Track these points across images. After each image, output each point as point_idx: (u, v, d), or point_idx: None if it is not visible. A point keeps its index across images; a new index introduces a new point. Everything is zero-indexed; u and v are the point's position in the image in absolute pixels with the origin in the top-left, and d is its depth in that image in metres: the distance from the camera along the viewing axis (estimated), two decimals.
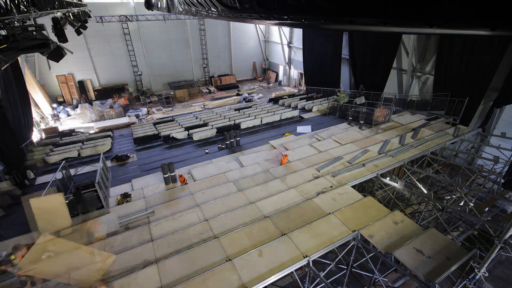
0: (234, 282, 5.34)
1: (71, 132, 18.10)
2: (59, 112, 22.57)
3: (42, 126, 20.05)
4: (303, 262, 5.65)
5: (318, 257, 5.95)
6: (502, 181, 8.31)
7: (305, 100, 20.75)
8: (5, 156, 10.03)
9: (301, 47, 23.90)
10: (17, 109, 12.69)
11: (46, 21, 9.41)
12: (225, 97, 27.47)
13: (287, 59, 29.13)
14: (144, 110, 23.61)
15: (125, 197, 8.48)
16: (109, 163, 11.68)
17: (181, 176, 9.13)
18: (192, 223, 7.15)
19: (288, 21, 5.37)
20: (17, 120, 12.37)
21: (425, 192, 9.54)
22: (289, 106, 20.08)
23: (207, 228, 6.93)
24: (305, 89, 26.00)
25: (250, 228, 6.79)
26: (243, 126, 15.18)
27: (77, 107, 23.38)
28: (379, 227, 6.63)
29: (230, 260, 5.81)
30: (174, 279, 5.51)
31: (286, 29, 27.53)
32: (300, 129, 13.86)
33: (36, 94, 21.01)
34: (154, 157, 12.55)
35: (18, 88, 12.88)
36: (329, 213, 7.20)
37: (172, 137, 14.10)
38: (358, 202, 7.61)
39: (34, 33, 6.19)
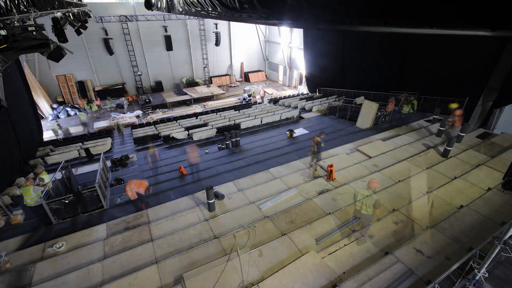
0: (235, 281, 5.34)
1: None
2: (59, 112, 22.57)
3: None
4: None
5: None
6: (502, 181, 8.30)
7: (305, 100, 20.77)
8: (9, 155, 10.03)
9: (301, 47, 23.89)
10: (23, 109, 12.79)
11: (46, 21, 9.41)
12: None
13: (287, 59, 29.14)
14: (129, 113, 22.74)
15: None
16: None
17: (180, 168, 9.57)
18: (192, 223, 7.15)
19: (288, 21, 5.38)
20: (23, 120, 12.48)
21: None
22: (289, 106, 20.08)
23: (207, 228, 6.94)
24: (306, 89, 26.02)
25: (249, 228, 6.79)
26: (243, 126, 15.18)
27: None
28: (379, 227, 6.63)
29: (230, 260, 5.81)
30: (174, 279, 5.52)
31: (286, 29, 27.53)
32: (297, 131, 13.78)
33: (36, 94, 21.01)
34: (154, 157, 12.54)
35: (24, 88, 13.00)
36: (329, 213, 7.20)
37: (172, 137, 14.10)
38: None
39: (34, 33, 6.18)
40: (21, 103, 12.53)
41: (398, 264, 5.53)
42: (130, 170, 11.29)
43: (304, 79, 28.04)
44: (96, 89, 25.35)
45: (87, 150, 12.58)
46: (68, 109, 23.13)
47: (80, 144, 14.59)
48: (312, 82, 23.71)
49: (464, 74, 12.55)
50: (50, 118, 22.01)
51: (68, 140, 16.28)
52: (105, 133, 17.48)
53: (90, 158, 12.56)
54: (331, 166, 8.63)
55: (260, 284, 5.17)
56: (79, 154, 12.80)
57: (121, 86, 26.15)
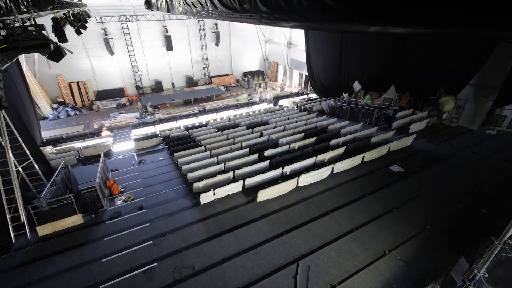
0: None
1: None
2: (59, 113, 22.54)
3: None
4: None
5: None
6: None
7: (305, 99, 20.80)
8: None
9: (301, 47, 23.81)
10: (24, 108, 12.77)
11: (46, 21, 9.40)
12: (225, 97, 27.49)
13: (287, 59, 29.11)
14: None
15: None
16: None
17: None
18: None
19: (288, 22, 5.37)
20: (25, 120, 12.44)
21: None
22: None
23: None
24: (308, 89, 25.98)
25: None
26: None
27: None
28: (379, 227, 6.62)
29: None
30: None
31: (286, 29, 27.50)
32: None
33: (36, 94, 21.00)
34: (154, 155, 12.55)
35: (25, 88, 13.00)
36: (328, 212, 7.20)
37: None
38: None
39: (34, 33, 6.18)
40: (21, 103, 12.51)
41: (398, 264, 5.53)
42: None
43: (304, 80, 28.03)
44: (96, 88, 25.35)
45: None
46: (68, 109, 23.11)
47: (80, 143, 14.55)
48: (316, 83, 23.45)
49: (460, 73, 12.61)
50: (50, 117, 22.00)
51: (68, 139, 16.24)
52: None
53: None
54: None
55: None
56: (79, 154, 12.78)
57: (121, 86, 26.15)
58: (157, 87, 27.94)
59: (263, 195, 7.78)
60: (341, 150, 9.95)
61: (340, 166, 9.05)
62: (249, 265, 5.66)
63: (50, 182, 8.16)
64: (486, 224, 6.49)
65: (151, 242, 6.50)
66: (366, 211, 7.21)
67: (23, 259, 6.31)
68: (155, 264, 5.81)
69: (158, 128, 17.02)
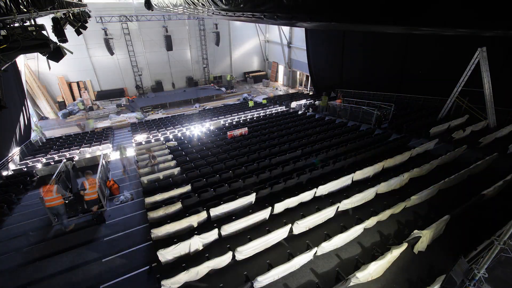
0: None
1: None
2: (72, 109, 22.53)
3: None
4: None
5: None
6: None
7: (305, 99, 20.82)
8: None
9: (301, 47, 23.86)
10: (17, 108, 12.74)
11: (46, 21, 9.39)
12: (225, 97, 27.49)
13: (287, 59, 29.12)
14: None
15: None
16: None
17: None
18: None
19: (290, 21, 5.36)
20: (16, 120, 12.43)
21: None
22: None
23: None
24: (308, 89, 25.97)
25: None
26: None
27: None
28: (379, 227, 6.62)
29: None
30: None
31: (286, 29, 27.52)
32: None
33: (36, 95, 21.01)
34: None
35: (17, 89, 12.95)
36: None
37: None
38: None
39: (34, 33, 6.17)
40: (17, 104, 12.51)
41: (397, 264, 5.53)
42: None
43: (304, 80, 28.07)
44: (96, 88, 25.37)
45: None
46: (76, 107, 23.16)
47: (78, 148, 14.44)
48: (317, 83, 23.52)
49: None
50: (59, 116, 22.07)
51: (66, 142, 16.23)
52: (105, 135, 17.46)
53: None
54: None
55: None
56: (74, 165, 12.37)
57: (121, 86, 26.18)
58: (157, 87, 27.97)
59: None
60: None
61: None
62: (249, 266, 5.66)
63: (50, 182, 8.15)
64: (486, 224, 6.48)
65: (151, 242, 6.50)
66: (367, 211, 7.21)
67: (23, 259, 6.32)
68: (155, 264, 5.81)
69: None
